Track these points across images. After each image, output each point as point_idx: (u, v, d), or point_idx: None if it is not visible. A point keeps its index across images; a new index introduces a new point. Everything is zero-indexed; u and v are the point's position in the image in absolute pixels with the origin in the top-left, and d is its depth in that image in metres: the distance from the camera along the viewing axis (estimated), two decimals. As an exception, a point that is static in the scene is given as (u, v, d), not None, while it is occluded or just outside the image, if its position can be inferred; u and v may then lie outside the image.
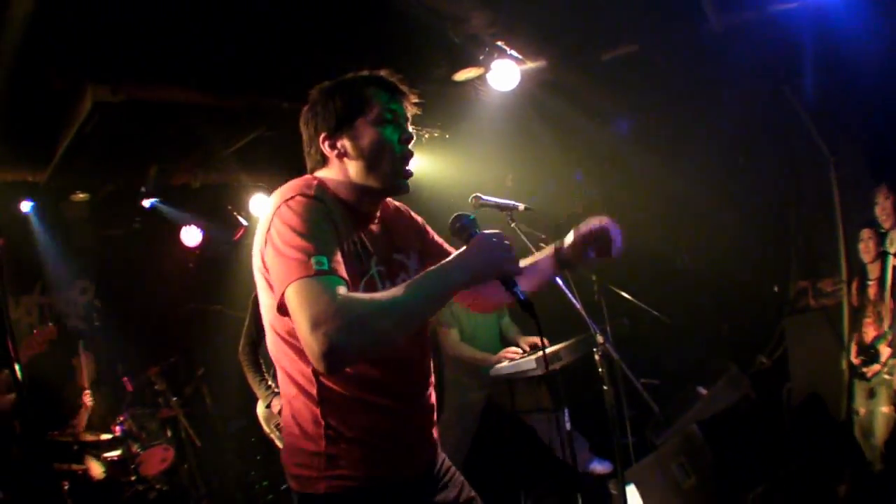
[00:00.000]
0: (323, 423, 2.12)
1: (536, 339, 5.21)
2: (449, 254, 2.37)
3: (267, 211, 2.09)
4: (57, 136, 5.29)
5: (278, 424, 4.96)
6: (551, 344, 4.96)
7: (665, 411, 5.14)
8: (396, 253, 2.35)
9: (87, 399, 5.90)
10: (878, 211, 5.09)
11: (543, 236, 4.32)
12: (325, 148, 2.24)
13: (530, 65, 5.11)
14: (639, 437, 5.23)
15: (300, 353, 2.09)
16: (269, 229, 2.02)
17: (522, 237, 3.77)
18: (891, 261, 4.90)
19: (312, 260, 1.90)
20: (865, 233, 5.19)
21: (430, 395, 2.39)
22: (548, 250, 2.57)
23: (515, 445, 5.34)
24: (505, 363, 4.92)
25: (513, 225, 3.74)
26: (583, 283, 4.67)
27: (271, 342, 2.21)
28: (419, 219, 2.57)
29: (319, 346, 1.79)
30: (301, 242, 1.94)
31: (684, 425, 5.02)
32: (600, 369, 4.02)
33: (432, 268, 2.04)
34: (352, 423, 2.14)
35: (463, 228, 2.15)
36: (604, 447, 5.23)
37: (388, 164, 2.23)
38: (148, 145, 5.76)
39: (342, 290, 1.89)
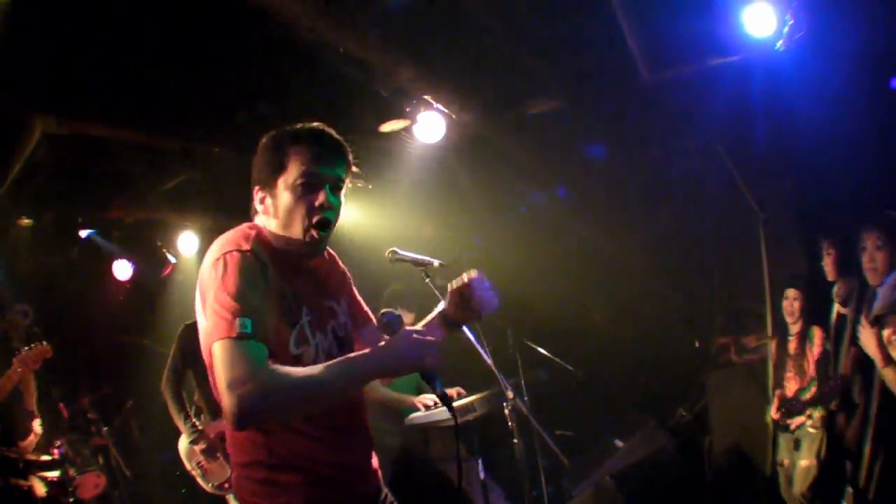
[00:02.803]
0: (266, 452, 2.17)
1: (451, 391, 5.25)
2: (366, 315, 2.58)
3: (207, 260, 2.13)
4: (9, 162, 5.33)
5: (199, 463, 4.99)
6: (467, 394, 5.01)
7: (581, 462, 5.18)
8: (328, 300, 2.41)
9: (38, 428, 5.91)
10: (824, 265, 5.06)
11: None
12: (256, 199, 2.30)
13: (456, 118, 5.15)
14: (555, 486, 5.28)
15: None
16: (205, 281, 2.09)
17: (437, 293, 3.77)
18: (835, 309, 4.88)
19: (237, 322, 1.97)
20: (791, 292, 5.22)
21: (367, 426, 2.44)
22: (435, 312, 2.62)
23: (430, 493, 5.36)
24: (420, 412, 4.95)
25: (427, 281, 3.75)
26: (498, 336, 4.72)
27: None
28: (346, 270, 2.63)
29: (233, 406, 1.87)
30: (229, 301, 2.00)
31: (599, 477, 5.07)
32: (510, 423, 4.07)
33: (356, 355, 2.11)
34: (293, 453, 2.18)
35: (389, 325, 2.21)
36: (521, 497, 5.27)
37: (298, 227, 2.25)
38: (88, 178, 5.81)
39: (262, 356, 1.97)
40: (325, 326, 2.34)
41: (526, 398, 4.87)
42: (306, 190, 2.24)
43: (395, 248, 3.55)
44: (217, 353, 1.96)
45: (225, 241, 2.16)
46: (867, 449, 4.22)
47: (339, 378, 2.05)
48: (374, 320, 2.48)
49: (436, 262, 3.70)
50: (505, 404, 4.02)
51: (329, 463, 2.24)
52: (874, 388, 4.13)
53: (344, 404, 2.32)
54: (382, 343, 2.16)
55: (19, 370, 4.89)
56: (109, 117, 4.87)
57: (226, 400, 1.89)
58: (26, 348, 4.96)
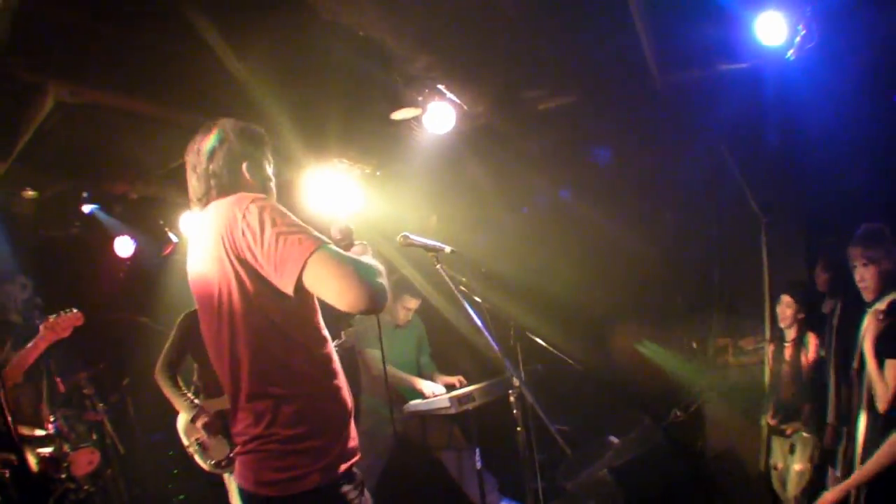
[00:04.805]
0: (303, 421, 2.33)
1: (452, 380, 5.29)
2: None
3: (230, 217, 2.35)
4: (19, 131, 5.29)
5: (199, 439, 4.95)
6: (468, 384, 5.04)
7: (576, 457, 5.19)
8: None
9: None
10: (817, 280, 5.10)
11: (464, 279, 4.38)
12: (246, 173, 2.61)
13: (468, 109, 5.17)
14: (547, 481, 5.29)
15: (297, 345, 2.38)
16: (250, 225, 2.30)
17: (447, 279, 3.81)
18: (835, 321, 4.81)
19: (315, 235, 2.29)
20: (784, 298, 5.27)
21: None
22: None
23: (425, 481, 5.39)
24: (420, 400, 4.98)
25: (438, 266, 3.79)
26: (500, 327, 4.73)
27: (260, 342, 2.37)
28: None
29: (369, 287, 2.22)
30: (297, 225, 2.31)
31: (596, 471, 5.10)
32: (515, 411, 4.08)
33: None
34: (332, 414, 2.41)
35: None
36: (512, 488, 5.29)
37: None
38: (97, 151, 5.78)
39: None
40: None
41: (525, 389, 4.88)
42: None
43: (406, 233, 3.60)
44: (320, 260, 2.22)
45: (242, 196, 2.43)
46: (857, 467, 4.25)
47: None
48: None
49: (447, 249, 3.74)
50: (510, 392, 4.02)
51: (349, 422, 2.48)
52: (863, 397, 4.15)
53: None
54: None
55: (47, 337, 4.75)
56: (127, 88, 4.84)
57: (359, 286, 2.20)
58: (53, 316, 4.81)
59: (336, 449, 2.38)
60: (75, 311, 4.91)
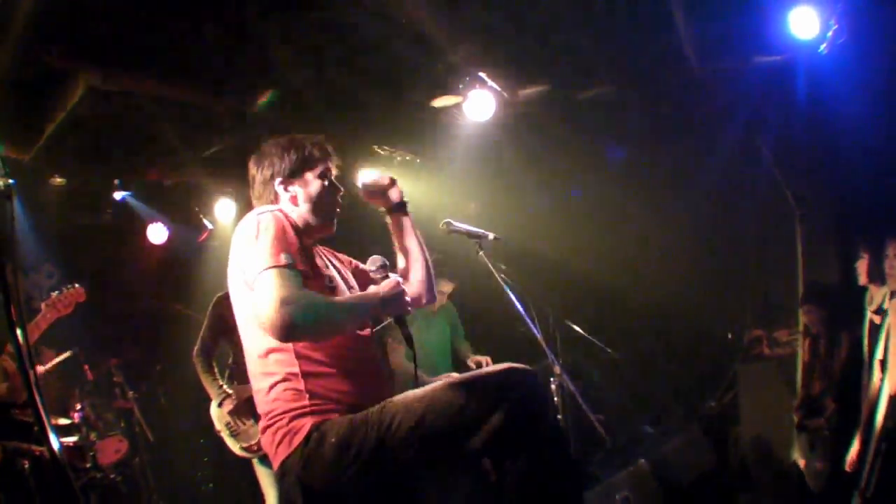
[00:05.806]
0: (307, 394, 2.44)
1: (482, 359, 5.28)
2: (365, 274, 2.90)
3: (244, 223, 2.50)
4: (48, 118, 5.26)
5: (228, 423, 4.97)
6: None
7: (611, 447, 5.20)
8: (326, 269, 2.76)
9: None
10: (857, 267, 5.13)
11: (504, 267, 4.37)
12: (280, 189, 2.70)
13: (508, 96, 5.18)
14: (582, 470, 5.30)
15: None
16: (243, 233, 2.45)
17: (490, 266, 3.81)
18: (868, 316, 4.83)
19: (282, 255, 2.37)
20: (803, 308, 5.35)
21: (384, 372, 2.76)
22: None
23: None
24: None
25: (480, 253, 3.78)
26: (539, 316, 4.75)
27: (252, 335, 2.52)
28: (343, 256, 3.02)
29: (282, 320, 2.24)
30: (271, 241, 2.40)
31: (630, 460, 5.10)
32: (556, 399, 4.08)
33: (366, 293, 2.60)
34: (332, 389, 2.46)
35: (382, 269, 2.74)
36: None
37: (328, 208, 2.73)
38: (128, 138, 5.78)
39: (300, 282, 2.37)
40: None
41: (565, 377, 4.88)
42: (330, 180, 2.74)
43: (449, 220, 3.59)
44: (266, 278, 2.32)
45: (260, 209, 2.57)
46: (870, 453, 4.29)
47: (355, 309, 2.54)
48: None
49: (490, 235, 3.73)
50: (552, 379, 4.03)
51: (359, 399, 2.49)
52: (882, 394, 4.19)
53: (375, 354, 2.74)
54: (386, 286, 2.59)
55: (48, 316, 4.59)
56: (161, 74, 4.85)
57: (273, 316, 2.24)
58: (56, 292, 4.68)
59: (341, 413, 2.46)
60: (77, 286, 4.79)
